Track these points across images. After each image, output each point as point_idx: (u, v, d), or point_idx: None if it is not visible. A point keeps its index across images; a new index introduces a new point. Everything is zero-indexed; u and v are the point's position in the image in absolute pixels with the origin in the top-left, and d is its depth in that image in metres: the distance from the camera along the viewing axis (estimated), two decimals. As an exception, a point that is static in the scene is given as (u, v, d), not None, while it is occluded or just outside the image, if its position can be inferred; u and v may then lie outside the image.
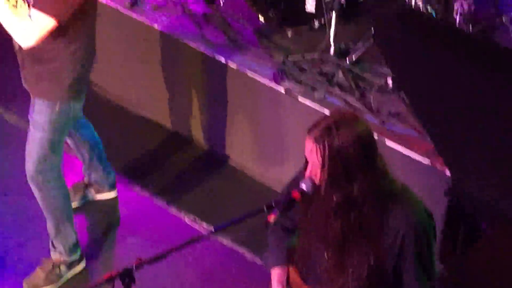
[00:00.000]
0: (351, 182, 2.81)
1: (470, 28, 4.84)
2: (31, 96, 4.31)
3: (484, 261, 3.58)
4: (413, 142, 4.42)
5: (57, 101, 4.18)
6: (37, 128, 4.22)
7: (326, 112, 4.46)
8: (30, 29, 3.97)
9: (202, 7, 5.47)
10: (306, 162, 2.87)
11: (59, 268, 4.50)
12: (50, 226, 4.43)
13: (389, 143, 4.39)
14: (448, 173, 3.99)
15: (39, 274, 4.46)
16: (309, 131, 2.77)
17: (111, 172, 4.93)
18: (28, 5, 3.99)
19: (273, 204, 2.79)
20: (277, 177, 4.94)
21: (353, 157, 2.76)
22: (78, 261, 4.54)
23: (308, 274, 3.21)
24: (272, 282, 3.26)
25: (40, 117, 4.23)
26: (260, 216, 2.80)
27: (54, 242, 4.45)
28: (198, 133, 5.58)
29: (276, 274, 3.23)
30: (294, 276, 3.25)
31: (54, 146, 4.30)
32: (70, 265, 4.51)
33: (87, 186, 4.94)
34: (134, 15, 5.34)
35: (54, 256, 4.44)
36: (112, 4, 5.44)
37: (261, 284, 3.70)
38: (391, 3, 5.10)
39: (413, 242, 2.89)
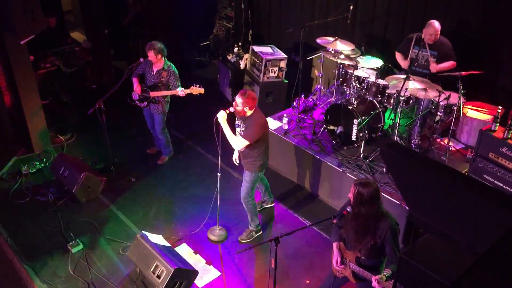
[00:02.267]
0: (361, 206, 3.69)
1: (418, 150, 5.66)
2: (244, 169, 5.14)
3: (421, 245, 3.57)
4: (393, 194, 5.17)
5: (253, 173, 5.08)
6: (246, 181, 5.13)
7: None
8: (239, 143, 4.82)
9: (311, 136, 6.28)
10: (349, 199, 3.80)
11: (252, 233, 5.43)
12: (249, 217, 5.36)
13: (384, 194, 5.10)
14: (407, 207, 4.62)
15: (244, 234, 5.42)
16: (354, 184, 3.75)
17: (271, 197, 5.86)
18: (241, 135, 4.93)
19: (336, 215, 3.84)
20: (339, 205, 5.48)
21: (365, 197, 3.66)
22: (259, 231, 5.47)
23: (346, 245, 4.00)
24: (334, 249, 4.06)
25: (247, 178, 5.12)
26: (331, 219, 3.84)
27: (251, 223, 5.39)
28: (307, 183, 6.27)
29: (335, 245, 4.07)
30: (342, 245, 4.05)
31: (252, 188, 5.17)
32: (256, 232, 5.43)
33: (262, 201, 5.86)
34: (284, 137, 6.29)
35: (250, 227, 5.41)
36: (276, 132, 6.34)
37: (330, 249, 4.17)
38: (387, 139, 5.94)
39: (391, 234, 3.71)
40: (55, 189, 6.05)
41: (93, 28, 8.79)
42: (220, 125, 4.78)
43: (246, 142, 4.80)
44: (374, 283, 3.75)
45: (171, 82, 6.08)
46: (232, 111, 4.82)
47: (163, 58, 6.06)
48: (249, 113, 4.84)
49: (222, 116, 4.75)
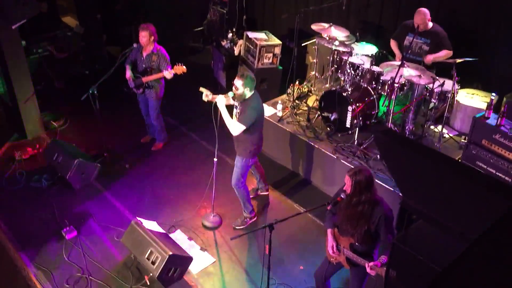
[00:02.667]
0: (361, 194, 3.77)
1: (412, 137, 5.73)
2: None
3: (413, 232, 3.60)
4: (387, 181, 5.24)
5: (244, 158, 5.14)
6: (237, 167, 5.18)
7: (352, 166, 5.29)
8: (236, 128, 4.84)
9: (306, 123, 6.24)
10: (343, 185, 3.84)
11: (246, 219, 5.49)
12: (242, 203, 5.42)
13: (378, 181, 5.17)
14: (401, 194, 4.44)
15: (238, 220, 5.48)
16: (348, 172, 3.81)
17: (266, 185, 5.91)
18: (237, 119, 4.91)
19: (330, 202, 3.88)
20: (333, 191, 5.28)
21: (363, 183, 3.74)
22: (254, 217, 5.53)
23: (340, 231, 4.06)
24: (328, 235, 4.12)
25: (237, 163, 5.18)
26: (325, 206, 3.89)
27: (244, 209, 5.45)
28: (301, 170, 6.33)
29: (329, 231, 4.13)
30: (335, 231, 4.11)
31: (243, 174, 5.22)
32: (250, 218, 5.49)
33: (257, 189, 5.93)
34: (278, 124, 6.33)
35: (244, 214, 5.48)
36: (270, 119, 6.34)
37: (324, 235, 4.24)
38: (382, 126, 5.94)
39: (384, 219, 3.77)
40: (49, 175, 6.05)
41: (85, 13, 8.68)
42: (218, 110, 4.79)
43: (243, 127, 4.82)
44: (369, 270, 3.80)
45: (161, 65, 6.07)
46: (231, 96, 4.84)
47: (153, 42, 6.06)
48: (248, 95, 4.84)
49: (221, 101, 4.76)
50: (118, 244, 5.12)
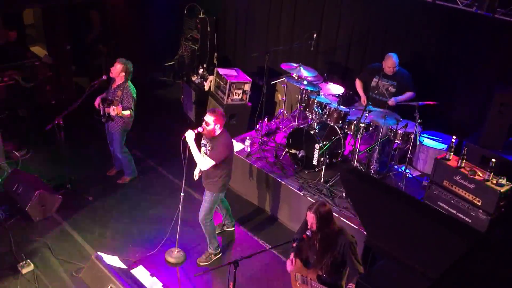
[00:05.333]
0: (328, 227, 3.91)
1: (376, 176, 5.79)
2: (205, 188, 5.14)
3: (378, 270, 4.01)
4: (352, 219, 5.27)
5: (214, 193, 5.09)
6: (205, 201, 5.13)
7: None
8: (205, 163, 4.86)
9: (273, 159, 6.34)
10: (306, 221, 3.94)
11: (211, 255, 5.42)
12: (207, 239, 5.34)
13: (343, 218, 5.29)
14: (365, 232, 4.73)
15: (203, 257, 5.40)
16: (309, 210, 3.89)
17: (232, 220, 5.86)
18: (206, 155, 4.94)
19: (295, 239, 3.97)
20: (296, 226, 4.97)
21: (328, 215, 3.89)
22: (218, 253, 5.46)
23: (306, 264, 4.13)
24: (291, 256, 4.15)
25: (207, 198, 5.12)
26: (290, 243, 3.99)
27: (209, 245, 5.38)
28: (267, 206, 6.30)
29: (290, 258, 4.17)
30: (301, 265, 4.13)
31: (211, 209, 5.17)
32: (215, 254, 5.43)
33: (223, 224, 5.88)
34: (247, 160, 6.35)
35: (209, 250, 5.40)
36: (238, 154, 6.34)
37: (287, 272, 4.29)
38: (347, 164, 6.09)
39: (349, 248, 3.86)
40: (7, 206, 5.84)
41: (55, 43, 8.63)
42: (187, 145, 4.77)
43: (213, 162, 4.81)
44: None
45: (124, 101, 5.97)
46: (200, 131, 4.81)
47: (124, 78, 5.99)
48: (218, 132, 4.83)
49: (190, 136, 4.73)
50: (76, 280, 4.94)
